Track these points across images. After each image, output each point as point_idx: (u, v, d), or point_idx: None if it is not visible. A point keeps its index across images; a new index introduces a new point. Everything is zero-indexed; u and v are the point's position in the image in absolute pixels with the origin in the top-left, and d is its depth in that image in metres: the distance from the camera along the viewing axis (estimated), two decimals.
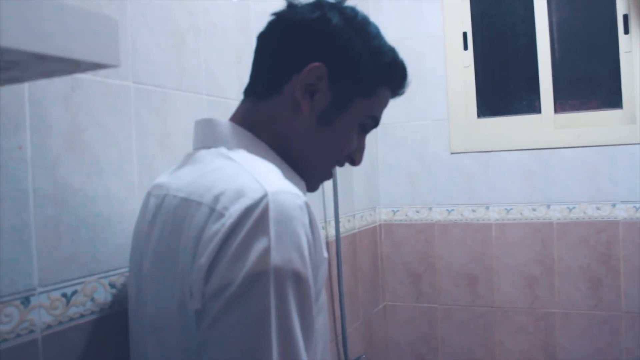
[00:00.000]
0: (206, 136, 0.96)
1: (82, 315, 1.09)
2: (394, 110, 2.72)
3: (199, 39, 1.47)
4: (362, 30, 0.96)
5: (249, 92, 1.02)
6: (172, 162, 1.33)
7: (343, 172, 2.33)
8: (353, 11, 0.98)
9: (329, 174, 1.02)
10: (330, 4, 0.97)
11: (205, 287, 0.73)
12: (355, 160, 1.01)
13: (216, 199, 0.76)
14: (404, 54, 1.03)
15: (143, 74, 1.28)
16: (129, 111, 1.23)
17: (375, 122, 1.01)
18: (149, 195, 1.01)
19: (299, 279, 0.71)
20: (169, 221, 0.86)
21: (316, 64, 0.92)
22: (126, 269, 1.16)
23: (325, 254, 0.80)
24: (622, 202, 2.34)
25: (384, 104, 1.01)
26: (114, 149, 1.19)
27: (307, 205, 0.77)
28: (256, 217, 0.71)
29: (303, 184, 0.97)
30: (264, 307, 0.69)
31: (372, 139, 2.69)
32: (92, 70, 0.60)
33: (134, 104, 1.25)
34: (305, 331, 0.72)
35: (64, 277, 1.06)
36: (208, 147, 0.93)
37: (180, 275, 0.78)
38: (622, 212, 2.34)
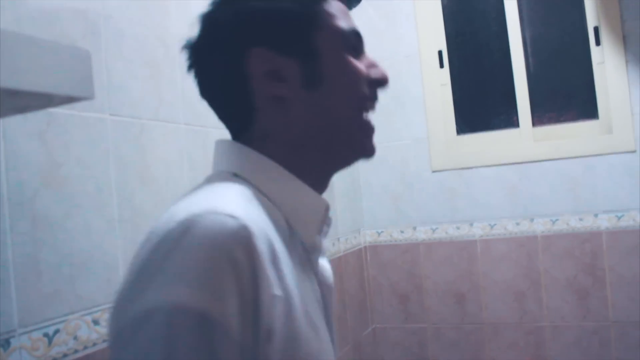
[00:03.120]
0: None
1: (65, 355, 1.06)
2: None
3: (176, 68, 1.46)
4: None
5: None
6: (153, 194, 1.31)
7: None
8: None
9: (366, 122, 0.80)
10: None
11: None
12: (377, 80, 0.78)
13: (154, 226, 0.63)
14: None
15: (120, 105, 1.27)
16: (107, 144, 1.22)
17: (354, 33, 0.77)
18: None
19: (205, 320, 0.55)
20: None
21: (252, 51, 0.73)
22: (109, 305, 1.13)
23: (276, 292, 0.60)
24: (603, 212, 2.35)
25: (343, 11, 0.77)
26: (93, 183, 1.17)
27: (246, 229, 0.59)
28: (169, 244, 0.58)
29: (316, 197, 0.80)
30: (151, 351, 0.55)
31: None
32: (66, 104, 0.59)
33: (112, 136, 1.23)
34: None
35: (46, 317, 1.03)
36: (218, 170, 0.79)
37: None
38: (605, 222, 2.35)
